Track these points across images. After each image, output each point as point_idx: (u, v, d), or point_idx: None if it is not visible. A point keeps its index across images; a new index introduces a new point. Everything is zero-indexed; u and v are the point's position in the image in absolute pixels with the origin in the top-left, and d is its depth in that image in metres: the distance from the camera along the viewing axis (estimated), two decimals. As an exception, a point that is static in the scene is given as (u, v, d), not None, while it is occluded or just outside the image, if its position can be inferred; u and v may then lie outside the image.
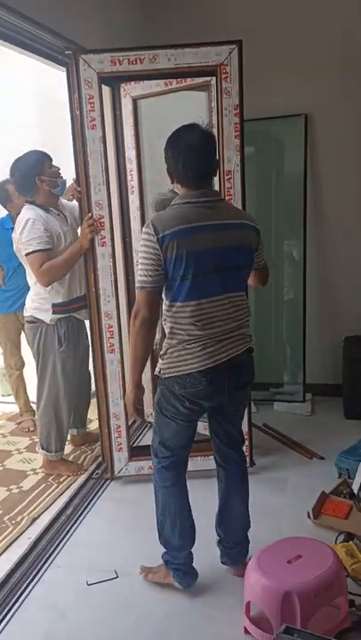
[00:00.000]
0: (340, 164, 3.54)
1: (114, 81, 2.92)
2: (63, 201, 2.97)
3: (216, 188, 2.59)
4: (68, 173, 2.81)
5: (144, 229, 1.87)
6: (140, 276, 1.89)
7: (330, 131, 3.50)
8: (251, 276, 2.10)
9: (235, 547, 2.15)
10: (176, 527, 2.04)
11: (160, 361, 1.96)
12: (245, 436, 2.73)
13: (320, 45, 3.41)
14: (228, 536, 2.15)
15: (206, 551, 2.16)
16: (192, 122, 1.95)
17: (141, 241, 1.88)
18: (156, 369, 1.98)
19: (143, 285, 1.87)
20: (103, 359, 2.77)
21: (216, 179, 2.63)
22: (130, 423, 3.12)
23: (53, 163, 2.81)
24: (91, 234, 2.67)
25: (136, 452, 2.93)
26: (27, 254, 2.71)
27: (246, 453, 2.81)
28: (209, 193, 1.92)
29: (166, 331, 1.95)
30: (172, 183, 1.97)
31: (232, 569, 2.18)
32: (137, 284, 1.91)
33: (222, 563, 2.19)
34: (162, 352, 1.96)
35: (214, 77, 2.60)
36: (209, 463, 2.47)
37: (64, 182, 2.85)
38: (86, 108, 2.54)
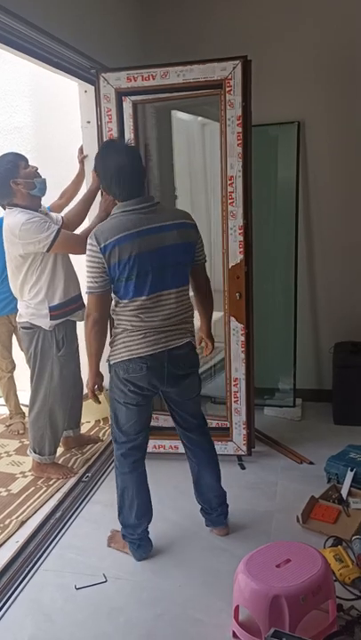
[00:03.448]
0: (331, 170, 3.57)
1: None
2: (50, 213, 2.95)
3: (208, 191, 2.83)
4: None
5: (88, 241, 2.08)
6: (88, 282, 2.09)
7: (322, 137, 3.53)
8: (190, 280, 2.25)
9: (213, 512, 2.43)
10: (133, 509, 2.25)
11: (109, 349, 2.18)
12: (244, 425, 2.99)
13: (316, 55, 3.43)
14: (205, 504, 2.44)
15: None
16: (113, 139, 2.35)
17: (87, 252, 2.08)
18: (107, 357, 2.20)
19: (92, 291, 2.10)
20: None
21: (218, 183, 2.84)
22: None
23: (32, 163, 2.74)
24: None
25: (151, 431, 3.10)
26: (54, 239, 2.59)
27: (244, 442, 3.00)
28: (144, 200, 2.11)
29: (114, 323, 2.18)
30: (108, 196, 2.20)
31: (215, 530, 2.45)
32: (86, 290, 2.12)
33: (207, 525, 2.46)
34: (109, 341, 2.20)
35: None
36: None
37: (43, 181, 2.75)
38: (105, 119, 2.78)
